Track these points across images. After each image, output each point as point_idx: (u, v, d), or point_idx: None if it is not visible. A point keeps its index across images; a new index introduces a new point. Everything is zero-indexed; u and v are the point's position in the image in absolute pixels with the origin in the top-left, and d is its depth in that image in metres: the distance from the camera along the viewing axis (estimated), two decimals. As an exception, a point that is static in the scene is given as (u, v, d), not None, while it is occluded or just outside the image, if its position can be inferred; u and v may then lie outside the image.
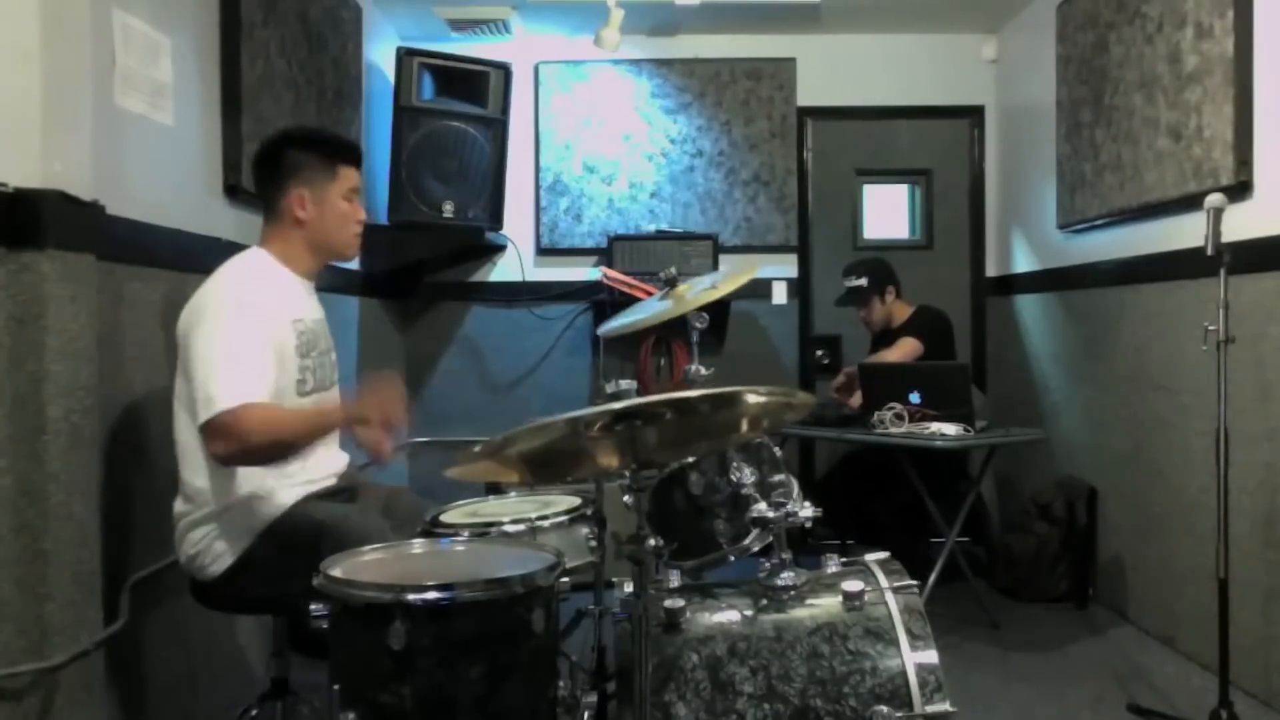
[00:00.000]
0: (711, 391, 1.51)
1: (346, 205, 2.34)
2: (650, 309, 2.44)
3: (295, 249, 2.32)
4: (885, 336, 4.35)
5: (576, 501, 2.44)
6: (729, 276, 2.37)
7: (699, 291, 2.31)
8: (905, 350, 4.17)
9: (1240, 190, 3.02)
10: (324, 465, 2.33)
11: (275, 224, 2.33)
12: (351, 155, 2.38)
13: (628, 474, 1.63)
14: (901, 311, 4.34)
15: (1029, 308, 4.79)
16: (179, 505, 2.20)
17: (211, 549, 2.13)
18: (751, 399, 1.58)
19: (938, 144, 5.26)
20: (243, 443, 1.99)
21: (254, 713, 2.32)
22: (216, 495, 2.14)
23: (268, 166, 2.34)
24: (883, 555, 1.99)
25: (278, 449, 2.08)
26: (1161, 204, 3.51)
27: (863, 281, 4.27)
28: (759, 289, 5.04)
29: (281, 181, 2.30)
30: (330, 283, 2.42)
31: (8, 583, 1.92)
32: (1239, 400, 2.88)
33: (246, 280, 2.21)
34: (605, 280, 4.61)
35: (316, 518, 2.16)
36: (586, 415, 1.41)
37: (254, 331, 2.10)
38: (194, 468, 2.15)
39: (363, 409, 2.07)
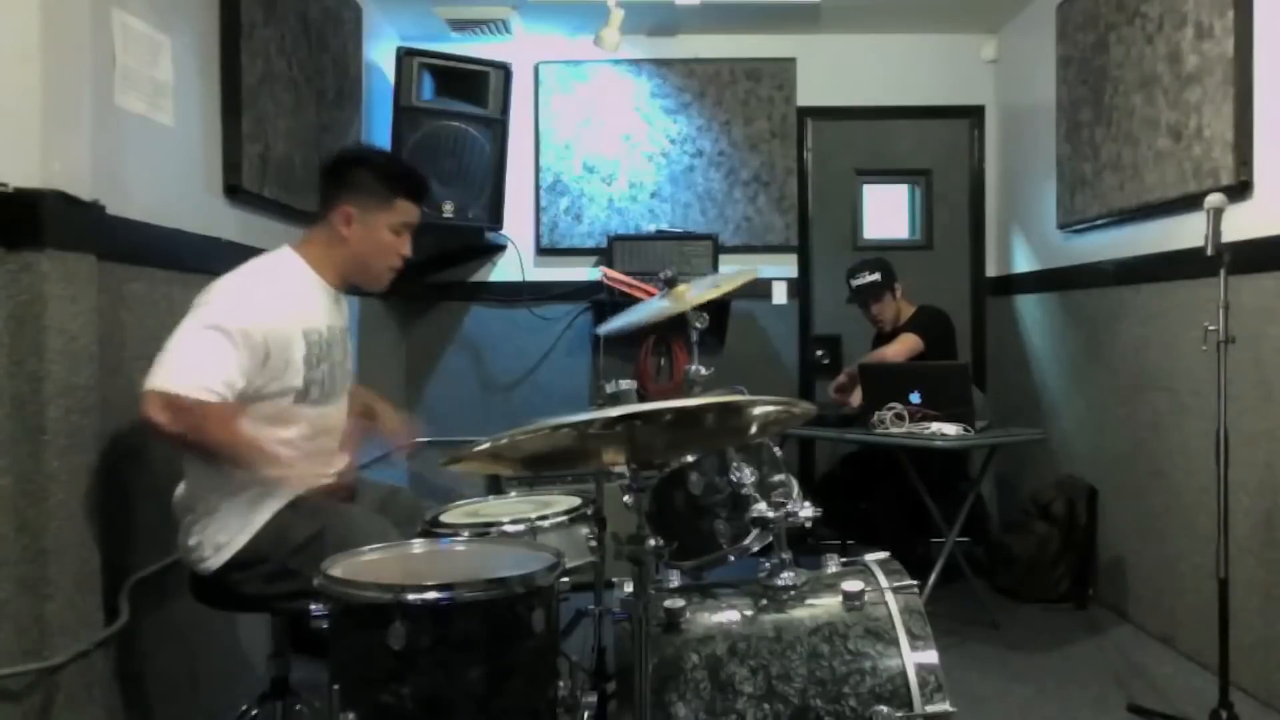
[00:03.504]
0: (715, 401, 1.51)
1: (392, 238, 2.33)
2: (649, 309, 2.44)
3: (330, 260, 2.31)
4: (887, 337, 4.34)
5: (576, 501, 2.44)
6: (727, 279, 2.38)
7: (699, 292, 2.31)
8: (905, 346, 4.16)
9: (1240, 190, 3.02)
10: (325, 463, 2.33)
11: (319, 231, 2.32)
12: (414, 190, 2.37)
13: (628, 474, 1.63)
14: (905, 310, 4.34)
15: (1029, 308, 4.79)
16: (180, 496, 2.19)
17: (212, 541, 2.13)
18: (756, 410, 1.58)
19: (938, 144, 5.26)
20: (153, 426, 1.97)
21: (254, 713, 2.32)
22: (218, 487, 2.14)
23: (332, 174, 2.35)
24: (883, 555, 1.99)
25: (189, 450, 2.11)
26: (1161, 204, 3.51)
27: (876, 277, 4.26)
28: (759, 289, 5.04)
29: (337, 192, 2.30)
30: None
31: (8, 583, 1.92)
32: (1239, 400, 2.88)
33: (264, 282, 2.20)
34: (605, 280, 4.61)
35: (319, 515, 2.16)
36: (588, 419, 1.40)
37: (236, 328, 2.06)
38: (200, 461, 2.15)
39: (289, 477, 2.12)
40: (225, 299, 2.12)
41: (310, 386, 2.22)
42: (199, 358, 2.01)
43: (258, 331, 2.09)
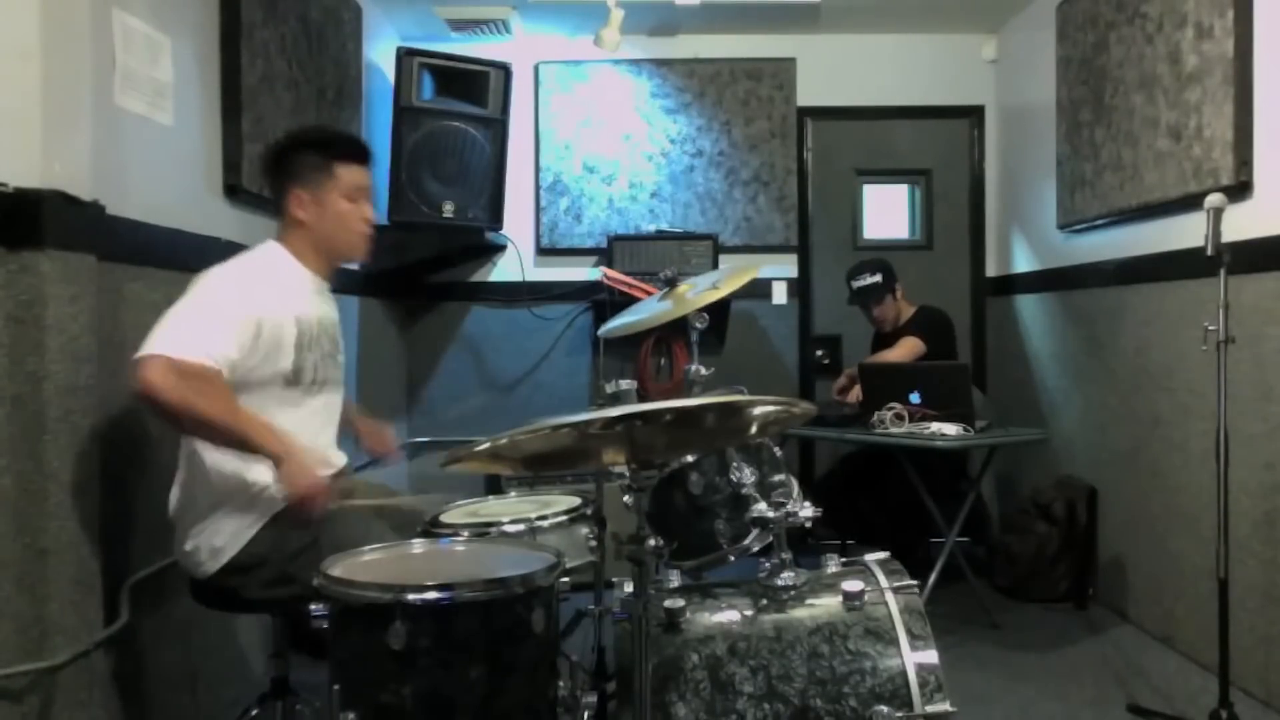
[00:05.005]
0: (715, 401, 1.51)
1: (347, 205, 2.31)
2: (650, 309, 2.44)
3: (304, 248, 2.32)
4: (886, 337, 4.34)
5: (576, 501, 2.44)
6: (729, 276, 2.37)
7: (699, 292, 2.31)
8: (907, 349, 4.16)
9: (1240, 190, 3.02)
10: (323, 464, 2.33)
11: (284, 225, 2.34)
12: (352, 153, 2.35)
13: (628, 474, 1.63)
14: (904, 311, 4.34)
15: (1029, 308, 4.79)
16: (175, 500, 2.19)
17: (209, 545, 2.13)
18: (756, 410, 1.58)
19: (938, 144, 5.26)
20: (153, 390, 1.91)
21: (254, 713, 2.32)
22: (213, 491, 2.14)
23: (272, 168, 2.36)
24: (883, 555, 1.99)
25: (188, 418, 1.98)
26: (1161, 204, 3.51)
27: (877, 278, 4.26)
28: (759, 289, 5.04)
29: (282, 183, 2.31)
30: (331, 282, 2.42)
31: (8, 583, 1.92)
32: (1239, 400, 2.88)
33: (251, 267, 2.23)
34: (605, 280, 4.61)
35: (314, 517, 2.16)
36: (588, 419, 1.40)
37: (230, 305, 2.07)
38: (195, 462, 2.15)
39: (289, 469, 2.02)
40: (219, 280, 2.14)
41: (301, 372, 2.21)
42: (198, 326, 2.01)
43: (252, 309, 2.10)
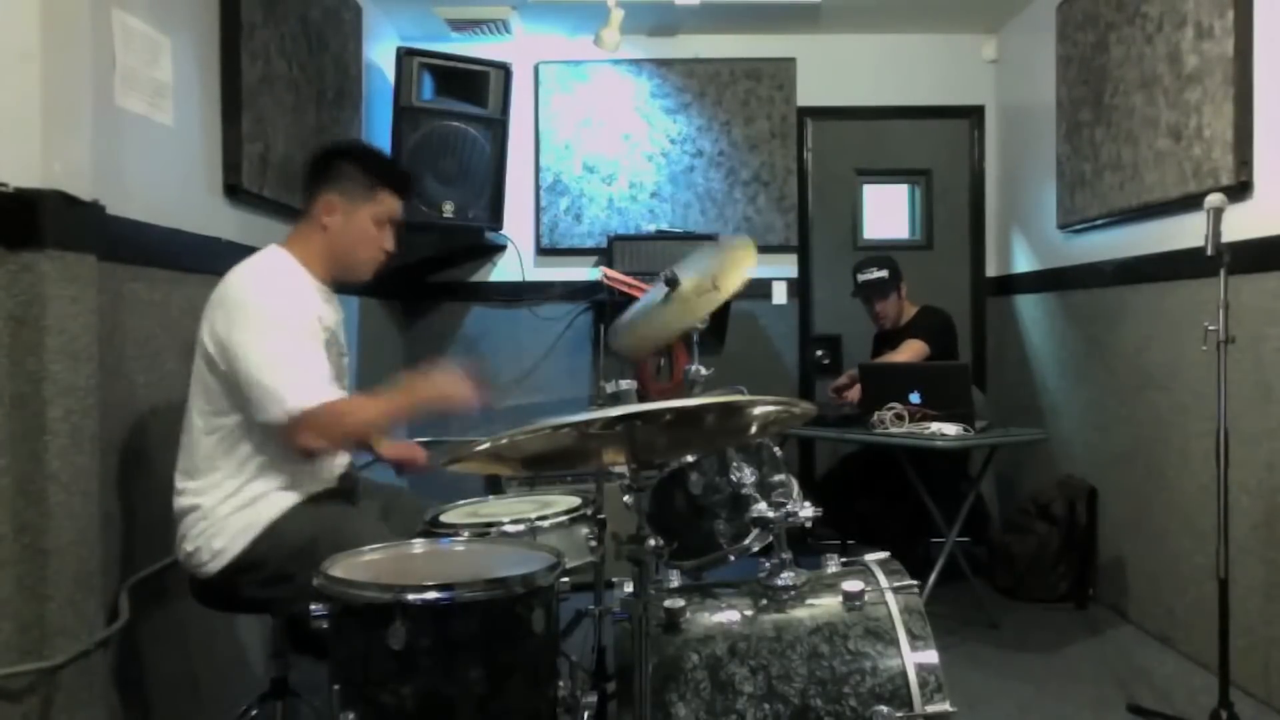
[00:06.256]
0: (715, 401, 1.51)
1: (374, 229, 2.34)
2: (651, 305, 2.43)
3: (314, 253, 2.32)
4: (888, 337, 4.34)
5: (576, 501, 2.44)
6: (722, 253, 2.36)
7: (700, 273, 2.30)
8: (912, 352, 4.15)
9: (1240, 190, 3.02)
10: (326, 466, 2.33)
11: (302, 224, 2.35)
12: (397, 183, 2.38)
13: (628, 474, 1.63)
14: (906, 311, 4.34)
15: (1029, 308, 4.79)
16: (180, 501, 2.19)
17: (210, 545, 2.14)
18: (756, 410, 1.58)
19: (938, 144, 5.26)
20: (315, 450, 2.14)
21: (254, 713, 2.32)
22: (218, 492, 2.15)
23: (315, 167, 2.37)
24: (883, 555, 1.99)
25: (350, 445, 2.27)
26: (1161, 204, 3.51)
27: (884, 274, 4.25)
28: (759, 289, 5.05)
29: (319, 183, 2.32)
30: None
31: (8, 583, 1.92)
32: (1239, 400, 2.88)
33: (280, 281, 2.24)
34: (605, 280, 4.61)
35: (316, 519, 2.17)
36: (589, 419, 1.40)
37: (303, 326, 2.17)
38: (199, 462, 2.16)
39: (431, 388, 2.20)
40: (277, 298, 2.17)
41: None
42: (302, 364, 2.10)
43: (309, 324, 2.19)
